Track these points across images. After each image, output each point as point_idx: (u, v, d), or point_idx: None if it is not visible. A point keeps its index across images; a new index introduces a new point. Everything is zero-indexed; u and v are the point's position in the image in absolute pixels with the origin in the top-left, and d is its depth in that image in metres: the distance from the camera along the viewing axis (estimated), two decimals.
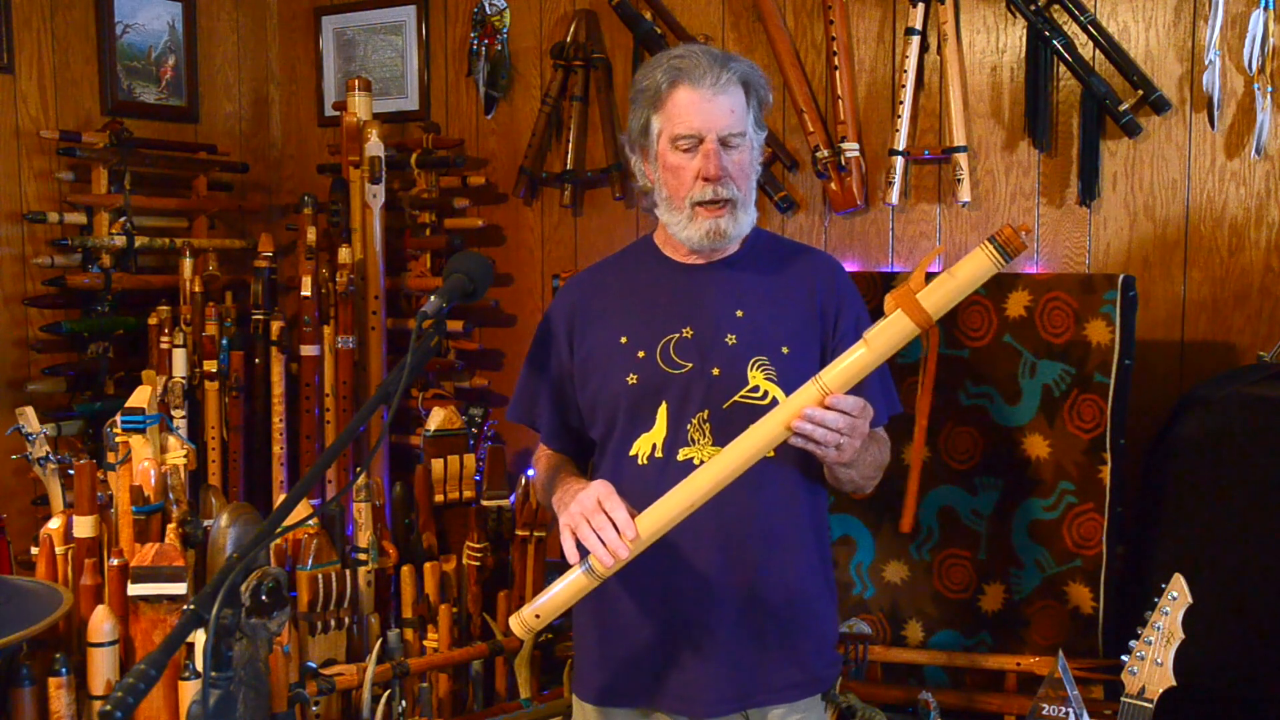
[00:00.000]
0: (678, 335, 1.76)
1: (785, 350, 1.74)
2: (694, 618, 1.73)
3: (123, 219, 3.02)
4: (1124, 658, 1.77)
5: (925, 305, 1.46)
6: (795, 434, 1.53)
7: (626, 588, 1.76)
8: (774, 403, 1.69)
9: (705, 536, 1.71)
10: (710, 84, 1.70)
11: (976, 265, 1.45)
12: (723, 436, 1.67)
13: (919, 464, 1.59)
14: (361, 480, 2.57)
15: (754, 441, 1.55)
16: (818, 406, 1.51)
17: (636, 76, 1.81)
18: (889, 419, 1.83)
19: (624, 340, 1.79)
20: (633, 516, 1.56)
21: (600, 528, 1.55)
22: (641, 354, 1.76)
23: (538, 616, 1.62)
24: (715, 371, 1.73)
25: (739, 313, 1.77)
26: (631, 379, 1.76)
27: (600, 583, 1.59)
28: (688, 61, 1.72)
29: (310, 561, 2.33)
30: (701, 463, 1.67)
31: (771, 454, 1.66)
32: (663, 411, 1.74)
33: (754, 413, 1.65)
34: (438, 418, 2.81)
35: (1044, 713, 1.84)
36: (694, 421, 1.72)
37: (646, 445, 1.75)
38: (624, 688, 1.79)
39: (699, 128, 1.71)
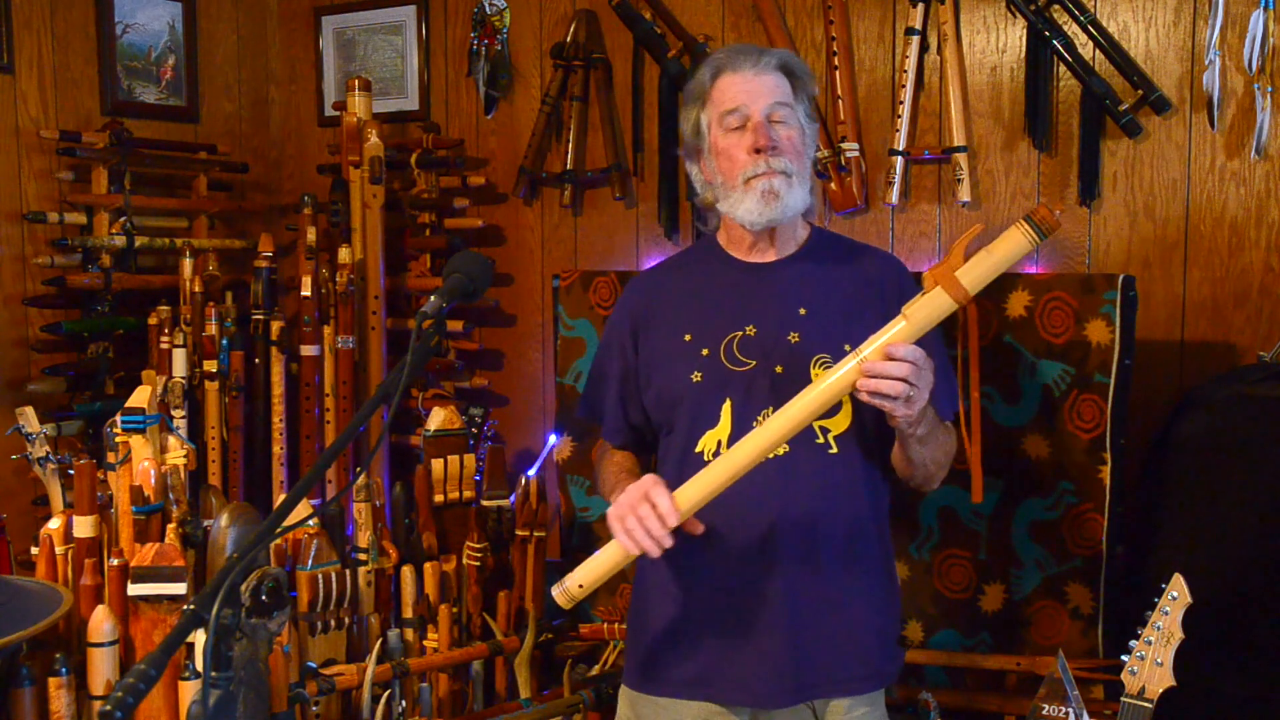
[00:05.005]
0: (740, 333, 1.78)
1: (847, 348, 1.72)
2: (757, 609, 1.74)
3: (123, 219, 3.01)
4: (1124, 658, 1.76)
5: (964, 282, 1.51)
6: (863, 389, 1.54)
7: (689, 579, 1.78)
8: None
9: (769, 529, 1.73)
10: (750, 66, 1.78)
11: (1013, 243, 1.50)
12: None
13: (979, 431, 1.61)
14: (361, 480, 2.57)
15: (809, 402, 1.58)
16: (880, 360, 1.53)
17: (685, 85, 1.89)
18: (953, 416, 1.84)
19: (688, 338, 1.81)
20: (677, 505, 1.60)
21: (644, 517, 1.59)
22: (705, 352, 1.79)
23: (581, 586, 1.66)
24: (779, 369, 1.75)
25: (801, 310, 1.78)
26: (696, 376, 1.78)
27: (639, 555, 1.62)
28: (727, 53, 1.82)
29: (310, 561, 2.33)
30: None
31: (835, 450, 1.73)
32: (727, 408, 1.76)
33: None
34: (438, 418, 2.81)
35: (1044, 713, 1.84)
36: (759, 418, 1.73)
37: (712, 442, 1.76)
38: (684, 678, 1.79)
39: (744, 102, 1.77)
